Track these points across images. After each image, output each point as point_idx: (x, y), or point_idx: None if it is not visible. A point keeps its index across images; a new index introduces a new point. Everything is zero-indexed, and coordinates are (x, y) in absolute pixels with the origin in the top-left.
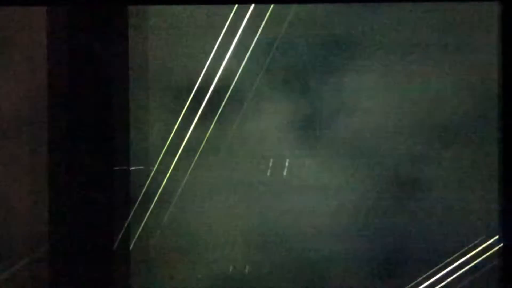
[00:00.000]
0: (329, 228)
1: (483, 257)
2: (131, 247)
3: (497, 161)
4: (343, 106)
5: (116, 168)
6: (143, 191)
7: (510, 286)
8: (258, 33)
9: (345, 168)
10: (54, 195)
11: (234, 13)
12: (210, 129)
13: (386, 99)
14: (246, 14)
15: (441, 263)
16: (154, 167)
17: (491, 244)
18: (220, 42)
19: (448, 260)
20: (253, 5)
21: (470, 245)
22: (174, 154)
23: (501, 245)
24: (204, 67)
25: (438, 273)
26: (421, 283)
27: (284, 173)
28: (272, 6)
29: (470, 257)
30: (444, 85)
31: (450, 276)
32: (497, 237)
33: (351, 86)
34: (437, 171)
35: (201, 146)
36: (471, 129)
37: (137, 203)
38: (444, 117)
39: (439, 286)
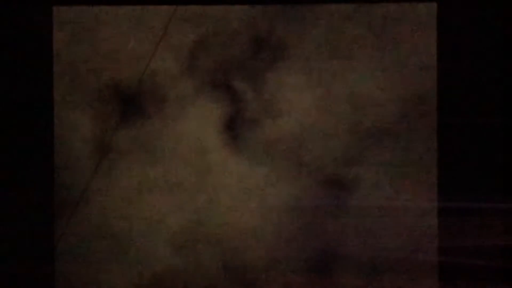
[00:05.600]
0: (258, 228)
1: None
2: (56, 247)
3: (432, 160)
4: (269, 107)
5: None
6: (68, 192)
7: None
8: (184, 34)
9: (272, 169)
10: None
11: (160, 14)
12: (135, 130)
13: (315, 101)
14: (171, 14)
15: (378, 263)
16: (79, 167)
17: (431, 243)
18: (146, 42)
19: (387, 260)
20: (176, 7)
21: (407, 244)
22: (99, 154)
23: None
24: (129, 67)
25: (379, 275)
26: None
27: (210, 174)
28: (197, 6)
29: (408, 256)
30: (377, 86)
31: (390, 278)
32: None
33: (277, 87)
34: (370, 171)
35: (126, 147)
36: (406, 130)
37: (62, 203)
38: (377, 118)
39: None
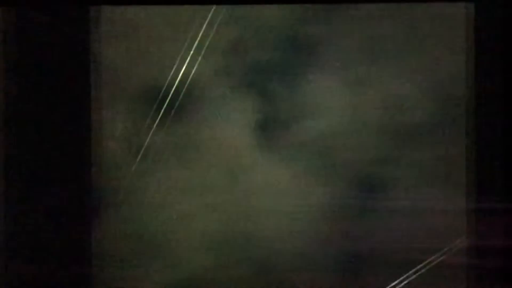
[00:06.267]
0: (294, 231)
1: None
2: (92, 249)
3: (462, 161)
4: (303, 108)
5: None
6: (103, 192)
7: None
8: (217, 36)
9: (307, 170)
10: (9, 196)
11: (192, 16)
12: (171, 133)
13: (347, 101)
14: (206, 16)
15: (413, 264)
16: (114, 168)
17: (459, 244)
18: (179, 45)
19: (421, 261)
20: (213, 8)
21: (440, 246)
22: (136, 157)
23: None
24: (164, 70)
25: (412, 275)
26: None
27: (246, 176)
28: (228, 8)
29: (443, 258)
30: (407, 86)
31: (423, 278)
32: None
33: (310, 88)
34: (403, 172)
35: (163, 149)
36: (436, 130)
37: (97, 204)
38: (408, 118)
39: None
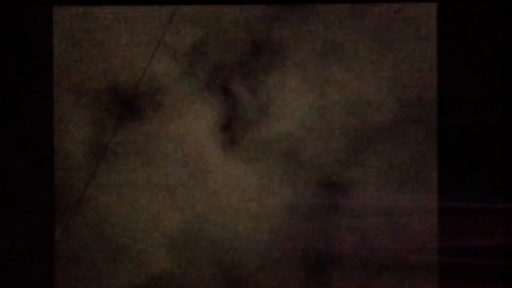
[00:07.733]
0: (259, 231)
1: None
2: (54, 248)
3: (432, 161)
4: (266, 109)
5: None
6: (67, 193)
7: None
8: (181, 36)
9: (269, 171)
10: None
11: (157, 16)
12: (132, 132)
13: (313, 102)
14: (169, 16)
15: (379, 264)
16: (78, 169)
17: (429, 245)
18: (142, 45)
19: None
20: (176, 7)
21: (408, 247)
22: (99, 157)
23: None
24: (126, 71)
25: (379, 275)
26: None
27: (208, 175)
28: (195, 8)
29: (410, 258)
30: (372, 88)
31: (391, 278)
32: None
33: (273, 89)
34: (366, 173)
35: (125, 150)
36: (403, 132)
37: (61, 204)
38: (373, 120)
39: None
